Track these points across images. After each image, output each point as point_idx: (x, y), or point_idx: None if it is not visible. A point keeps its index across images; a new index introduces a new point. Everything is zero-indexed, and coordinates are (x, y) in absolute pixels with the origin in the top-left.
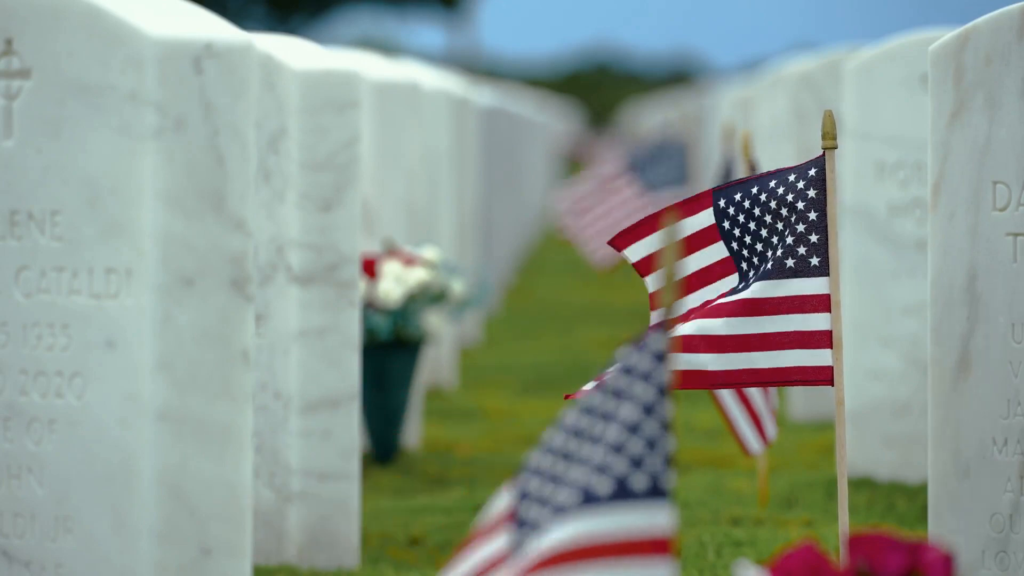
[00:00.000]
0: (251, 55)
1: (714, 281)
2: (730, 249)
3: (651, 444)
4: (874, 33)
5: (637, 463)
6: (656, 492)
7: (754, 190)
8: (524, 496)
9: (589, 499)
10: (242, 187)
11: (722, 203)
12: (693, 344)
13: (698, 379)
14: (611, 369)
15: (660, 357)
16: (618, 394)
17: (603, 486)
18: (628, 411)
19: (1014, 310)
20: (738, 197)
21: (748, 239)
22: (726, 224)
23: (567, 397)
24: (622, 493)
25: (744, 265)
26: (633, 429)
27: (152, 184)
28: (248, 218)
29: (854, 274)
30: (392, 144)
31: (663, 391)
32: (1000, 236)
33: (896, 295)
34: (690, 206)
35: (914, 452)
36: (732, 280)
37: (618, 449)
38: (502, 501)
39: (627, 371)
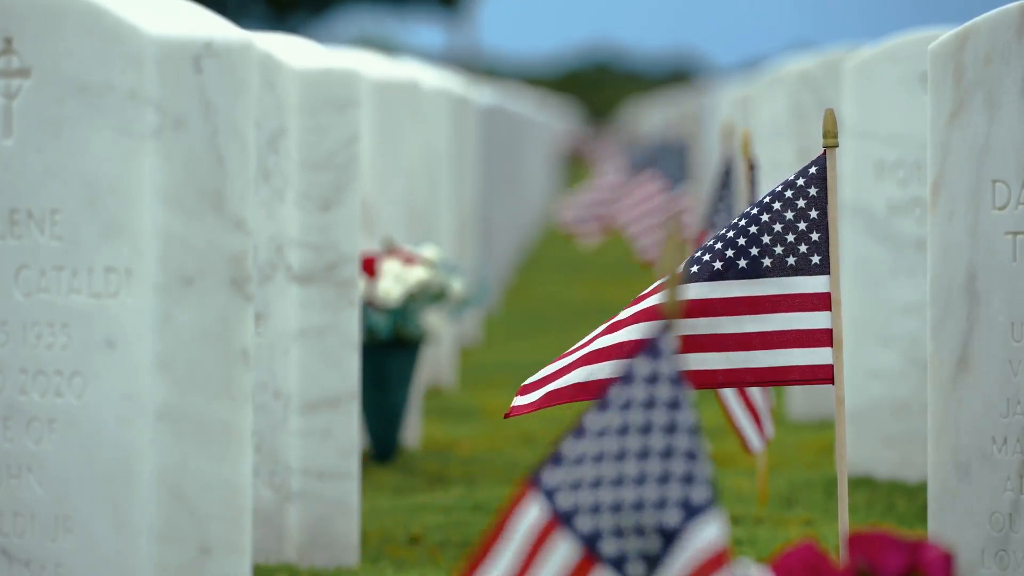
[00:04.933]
0: (251, 54)
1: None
2: (704, 245)
3: (691, 455)
4: (874, 32)
5: (688, 479)
6: (712, 499)
7: (764, 198)
8: (571, 513)
9: (669, 535)
10: (242, 186)
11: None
12: (695, 343)
13: (700, 379)
14: (620, 375)
15: (671, 362)
16: (642, 412)
17: (674, 517)
18: (656, 439)
19: (1014, 309)
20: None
21: (731, 233)
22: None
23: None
24: (690, 513)
25: (703, 254)
26: (667, 454)
27: (152, 183)
28: (248, 217)
29: (854, 273)
30: (392, 143)
31: (682, 398)
32: (1000, 235)
33: (896, 294)
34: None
35: (914, 451)
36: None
37: (665, 479)
38: (531, 514)
39: (645, 382)
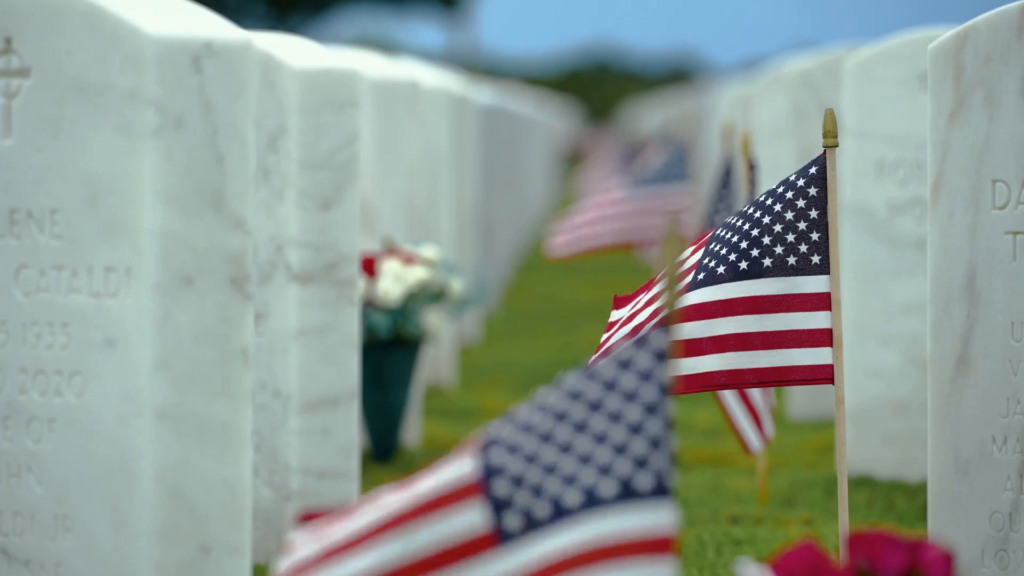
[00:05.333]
0: (250, 54)
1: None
2: (707, 249)
3: (655, 443)
4: (873, 32)
5: (641, 463)
6: (660, 491)
7: (761, 198)
8: (495, 471)
9: (594, 502)
10: (241, 186)
11: (729, 218)
12: (696, 346)
13: (700, 381)
14: (605, 360)
15: (661, 355)
16: (616, 389)
17: (608, 488)
18: (631, 411)
19: (1013, 308)
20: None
21: (730, 235)
22: (718, 231)
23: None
24: (627, 494)
25: (709, 260)
26: (636, 429)
27: (151, 183)
28: (247, 217)
29: (853, 273)
30: (391, 143)
31: (665, 389)
32: (999, 234)
33: (895, 294)
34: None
35: (914, 451)
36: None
37: (621, 450)
38: (464, 467)
39: (626, 366)
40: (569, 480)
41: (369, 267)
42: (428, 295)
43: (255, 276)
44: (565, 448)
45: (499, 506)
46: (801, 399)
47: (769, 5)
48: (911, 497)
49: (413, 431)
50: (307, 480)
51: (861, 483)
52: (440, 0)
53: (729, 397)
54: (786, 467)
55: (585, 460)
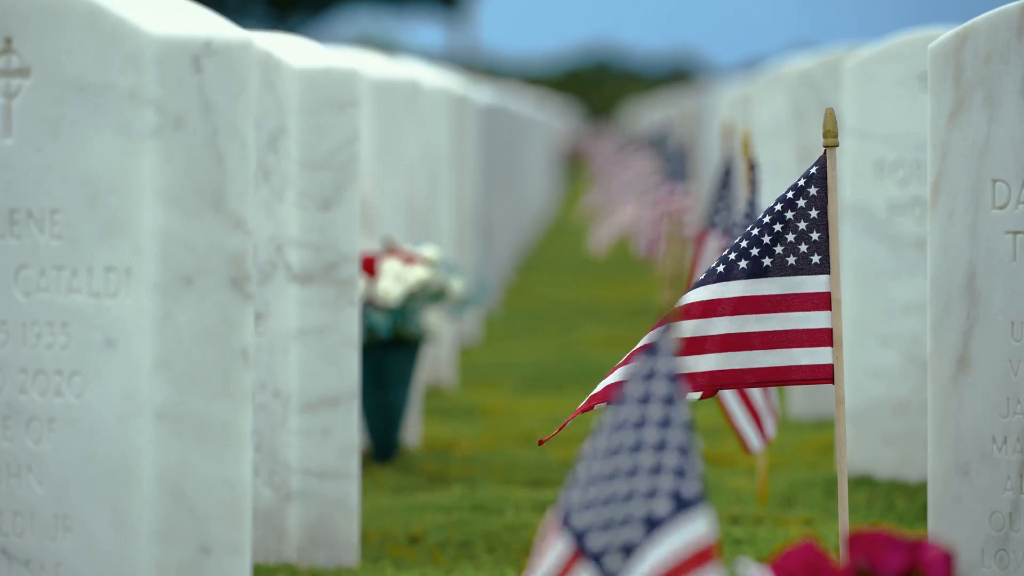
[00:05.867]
0: (250, 54)
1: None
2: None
3: (683, 450)
4: (873, 32)
5: (680, 472)
6: (701, 494)
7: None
8: (585, 532)
9: (653, 525)
10: (241, 186)
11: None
12: (696, 344)
13: (702, 381)
14: (621, 377)
15: (669, 361)
16: (637, 407)
17: (662, 506)
18: (649, 433)
19: (1013, 308)
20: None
21: (742, 239)
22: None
23: (541, 443)
24: (680, 505)
25: (718, 264)
26: (660, 446)
27: (151, 183)
28: (247, 217)
29: (854, 272)
30: (391, 143)
31: (676, 394)
32: (999, 234)
33: (896, 293)
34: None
35: (914, 450)
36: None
37: (657, 470)
38: (559, 545)
39: (642, 378)
40: (626, 514)
41: (369, 267)
42: (428, 295)
43: (255, 276)
44: (613, 477)
45: (599, 558)
46: (801, 399)
47: (769, 5)
48: (911, 497)
49: (413, 431)
50: (307, 480)
51: (861, 483)
52: (440, 0)
53: (729, 397)
54: (786, 467)
55: (631, 494)
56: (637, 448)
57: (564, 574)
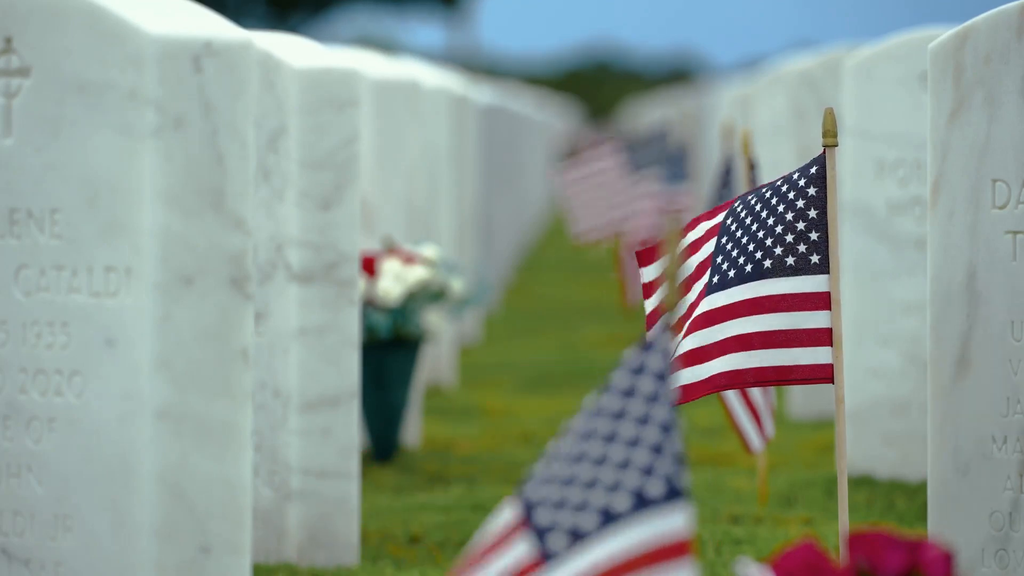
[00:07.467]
0: (250, 53)
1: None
2: (719, 246)
3: (657, 449)
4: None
5: (648, 471)
6: (672, 494)
7: (762, 190)
8: (535, 504)
9: (609, 519)
10: (241, 186)
11: (737, 205)
12: (704, 354)
13: (702, 385)
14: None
15: (661, 359)
16: (619, 401)
17: (621, 502)
18: (626, 427)
19: (1013, 308)
20: (749, 198)
21: (741, 235)
22: (728, 221)
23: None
24: (640, 504)
25: (722, 262)
26: (634, 442)
27: (151, 183)
28: (247, 217)
29: (854, 272)
30: (391, 142)
31: (661, 394)
32: (999, 234)
33: (896, 293)
34: (708, 215)
35: (914, 450)
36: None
37: (624, 465)
38: (507, 513)
39: (631, 372)
40: (584, 500)
41: (369, 267)
42: (428, 295)
43: (255, 276)
44: (581, 460)
45: (542, 533)
46: (801, 399)
47: (769, 5)
48: (911, 497)
49: (413, 431)
50: (307, 480)
51: (861, 483)
52: (440, 0)
53: (731, 396)
54: (786, 467)
55: (595, 481)
56: (610, 439)
57: (502, 542)
